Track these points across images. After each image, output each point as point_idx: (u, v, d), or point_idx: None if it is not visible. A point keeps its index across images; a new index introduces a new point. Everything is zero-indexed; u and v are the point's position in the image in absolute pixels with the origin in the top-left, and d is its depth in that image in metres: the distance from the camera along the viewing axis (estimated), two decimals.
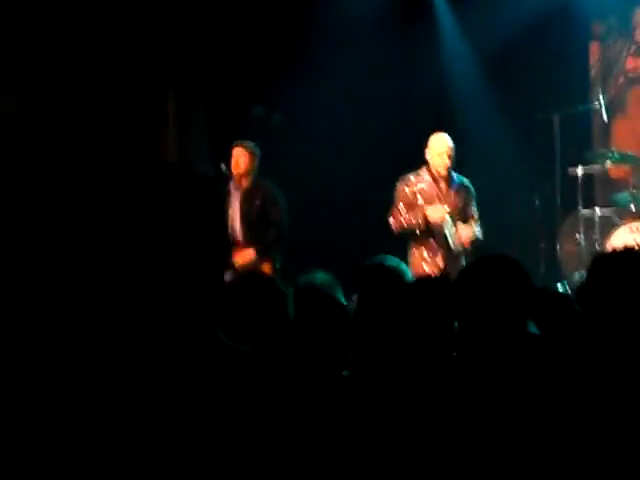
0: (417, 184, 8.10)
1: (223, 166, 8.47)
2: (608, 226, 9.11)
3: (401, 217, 7.92)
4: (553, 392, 3.10)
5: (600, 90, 10.00)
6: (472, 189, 8.23)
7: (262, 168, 8.65)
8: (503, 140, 8.87)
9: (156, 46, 9.95)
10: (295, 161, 9.84)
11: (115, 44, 9.53)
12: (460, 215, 8.12)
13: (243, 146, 8.50)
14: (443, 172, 8.06)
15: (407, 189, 8.09)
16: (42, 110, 9.18)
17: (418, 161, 10.24)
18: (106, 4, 9.43)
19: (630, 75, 10.52)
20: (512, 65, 10.16)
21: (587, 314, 3.37)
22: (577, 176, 9.20)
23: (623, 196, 9.23)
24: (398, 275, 4.45)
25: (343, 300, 4.42)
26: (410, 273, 4.84)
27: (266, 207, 8.42)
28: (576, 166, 9.22)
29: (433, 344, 3.48)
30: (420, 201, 8.01)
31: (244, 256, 8.32)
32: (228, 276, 8.32)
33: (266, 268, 8.31)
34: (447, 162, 8.06)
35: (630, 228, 8.68)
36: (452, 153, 8.10)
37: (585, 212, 9.19)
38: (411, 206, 7.97)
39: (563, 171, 9.29)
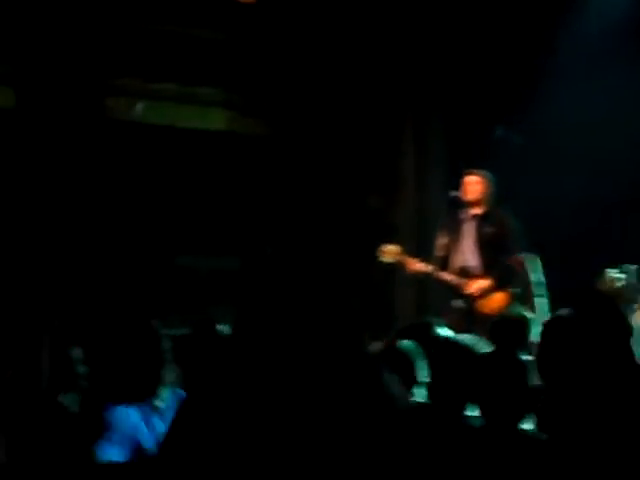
0: None
1: (453, 193, 8.38)
2: None
3: None
4: None
5: None
6: None
7: (500, 191, 8.47)
8: None
9: (394, 72, 10.02)
10: (537, 184, 9.58)
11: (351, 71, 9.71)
12: None
13: (475, 174, 8.40)
14: None
15: None
16: None
17: None
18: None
19: None
20: None
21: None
22: None
23: None
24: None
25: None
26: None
27: (500, 235, 8.23)
28: None
29: None
30: None
31: (479, 285, 8.18)
32: (460, 304, 8.21)
33: (501, 297, 8.14)
34: None
35: None
36: None
37: None
38: None
39: None
